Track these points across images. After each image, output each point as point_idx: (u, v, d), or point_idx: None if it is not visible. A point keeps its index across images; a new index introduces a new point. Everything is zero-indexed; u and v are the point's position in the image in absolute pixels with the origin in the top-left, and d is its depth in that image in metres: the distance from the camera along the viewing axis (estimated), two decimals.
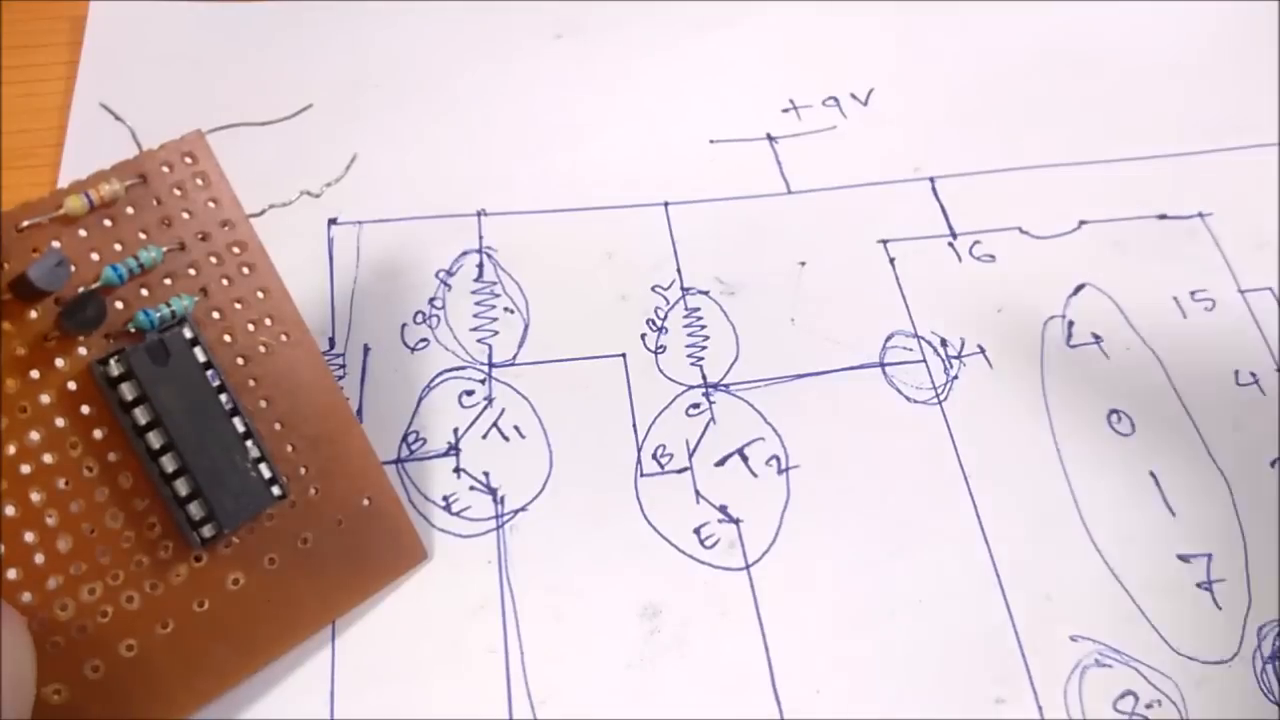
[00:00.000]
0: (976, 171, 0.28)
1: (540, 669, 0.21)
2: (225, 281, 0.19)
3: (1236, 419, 0.25)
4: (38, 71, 0.28)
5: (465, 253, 0.26)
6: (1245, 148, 0.29)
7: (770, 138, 0.29)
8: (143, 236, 0.18)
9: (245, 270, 0.19)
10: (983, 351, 0.25)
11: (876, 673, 0.21)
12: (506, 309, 0.25)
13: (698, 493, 0.23)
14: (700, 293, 0.26)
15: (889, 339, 0.25)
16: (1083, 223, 0.28)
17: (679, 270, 0.26)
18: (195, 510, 0.18)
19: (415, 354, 0.24)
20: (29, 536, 0.17)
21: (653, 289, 0.26)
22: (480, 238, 0.26)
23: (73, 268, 0.17)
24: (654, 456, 0.23)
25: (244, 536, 0.19)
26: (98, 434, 0.18)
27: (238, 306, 0.19)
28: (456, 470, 0.23)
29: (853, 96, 0.30)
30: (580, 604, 0.21)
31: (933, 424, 0.24)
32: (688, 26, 0.31)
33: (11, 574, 0.17)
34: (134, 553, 0.18)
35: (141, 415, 0.18)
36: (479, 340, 0.24)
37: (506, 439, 0.23)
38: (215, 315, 0.19)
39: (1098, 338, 0.26)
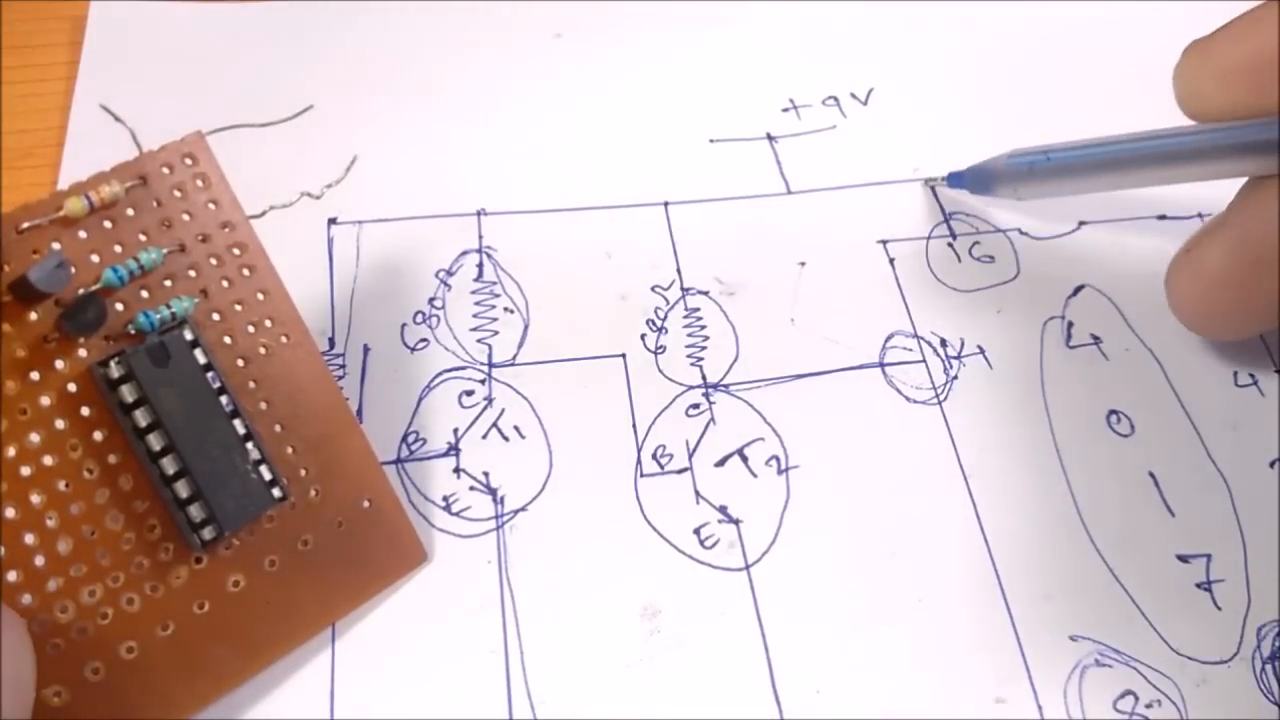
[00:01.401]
0: None
1: (540, 669, 0.21)
2: (225, 283, 0.19)
3: (1236, 420, 0.25)
4: (38, 71, 0.28)
5: (465, 252, 0.26)
6: None
7: (770, 137, 0.29)
8: (143, 238, 0.18)
9: (245, 272, 0.19)
10: (982, 352, 0.25)
11: (876, 673, 0.21)
12: (506, 309, 0.25)
13: (697, 493, 0.23)
14: (700, 293, 0.26)
15: (889, 339, 0.25)
16: (1082, 223, 0.28)
17: (679, 270, 0.26)
18: (196, 512, 0.18)
19: (415, 354, 0.24)
20: (29, 538, 0.17)
21: (652, 289, 0.26)
22: (480, 237, 0.26)
23: (73, 270, 0.17)
24: (654, 457, 0.23)
25: (244, 538, 0.19)
26: (98, 436, 0.18)
27: (238, 308, 0.19)
28: (456, 470, 0.23)
29: (853, 96, 0.30)
30: (580, 604, 0.21)
31: (932, 424, 0.24)
32: (687, 26, 0.31)
33: (11, 576, 0.17)
34: (134, 555, 0.18)
35: (142, 417, 0.18)
36: (479, 340, 0.24)
37: (506, 439, 0.23)
38: (215, 317, 0.19)
39: (1097, 338, 0.26)
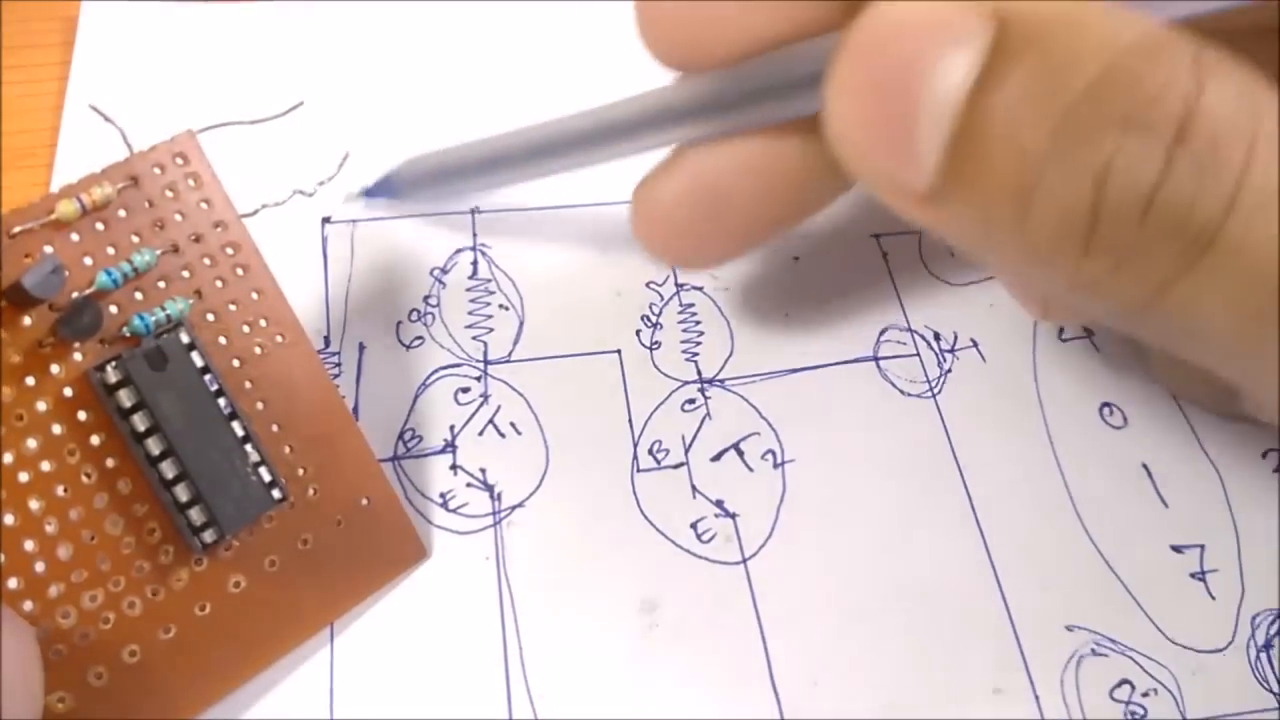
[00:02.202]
0: None
1: (539, 664, 0.21)
2: (219, 283, 0.19)
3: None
4: (35, 72, 0.28)
5: (459, 250, 0.26)
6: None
7: None
8: (136, 240, 0.18)
9: (239, 271, 0.19)
10: (976, 345, 0.25)
11: (873, 665, 0.21)
12: (501, 306, 0.25)
13: (694, 487, 0.23)
14: (694, 288, 0.26)
15: (883, 333, 0.25)
16: None
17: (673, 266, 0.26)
18: (196, 515, 0.18)
19: (410, 351, 0.24)
20: (29, 545, 0.17)
21: (647, 285, 0.26)
22: (474, 235, 0.26)
23: (66, 273, 0.17)
24: (650, 452, 0.23)
25: (244, 539, 0.19)
26: (95, 440, 0.18)
27: (232, 308, 0.19)
28: (453, 467, 0.23)
29: None
30: (578, 599, 0.21)
31: (927, 417, 0.24)
32: None
33: (12, 583, 0.17)
34: (134, 558, 0.18)
35: (140, 421, 0.18)
36: (474, 338, 0.24)
37: (503, 435, 0.23)
38: (210, 318, 0.19)
39: (1089, 331, 0.26)
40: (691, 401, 0.24)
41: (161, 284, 0.18)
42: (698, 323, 0.25)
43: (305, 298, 0.24)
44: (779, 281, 0.26)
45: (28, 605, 0.17)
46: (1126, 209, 0.13)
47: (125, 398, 0.17)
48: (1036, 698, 0.21)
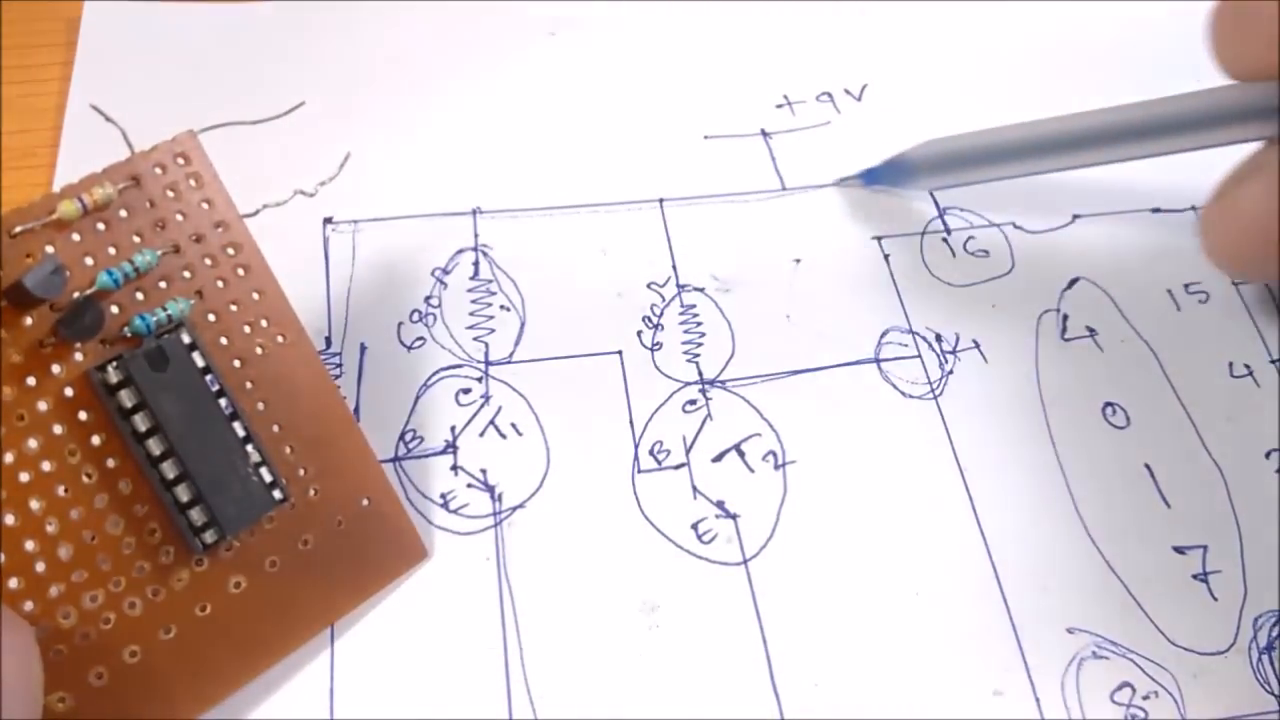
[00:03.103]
0: None
1: (540, 665, 0.21)
2: (221, 284, 0.19)
3: (1231, 411, 0.25)
4: (36, 72, 0.28)
5: (461, 251, 0.26)
6: (1238, 141, 0.29)
7: (764, 133, 0.29)
8: (137, 240, 0.18)
9: (240, 272, 0.19)
10: (977, 346, 0.25)
11: (874, 666, 0.21)
12: (503, 307, 0.25)
13: (695, 488, 0.23)
14: (696, 289, 0.26)
15: (884, 335, 0.25)
16: (1076, 216, 0.28)
17: (674, 267, 0.26)
18: (197, 516, 0.18)
19: (412, 352, 0.24)
20: (29, 545, 0.17)
21: (648, 286, 0.26)
22: (475, 236, 0.26)
23: (68, 274, 0.17)
24: (651, 453, 0.23)
25: (245, 539, 0.19)
26: (96, 440, 0.18)
27: (233, 308, 0.19)
28: (454, 468, 0.23)
29: (846, 92, 0.30)
30: (579, 600, 0.21)
31: (928, 418, 0.24)
32: (681, 23, 0.31)
33: (13, 583, 0.17)
34: (135, 559, 0.18)
35: (141, 422, 0.18)
36: (475, 339, 0.24)
37: (504, 436, 0.23)
38: (211, 318, 0.19)
39: (1092, 331, 0.26)
40: (693, 402, 0.24)
41: (163, 284, 0.18)
42: (699, 324, 0.25)
43: (307, 298, 0.24)
44: (780, 283, 0.26)
45: (28, 605, 0.17)
46: None
47: (126, 398, 0.17)
48: (1037, 700, 0.21)
